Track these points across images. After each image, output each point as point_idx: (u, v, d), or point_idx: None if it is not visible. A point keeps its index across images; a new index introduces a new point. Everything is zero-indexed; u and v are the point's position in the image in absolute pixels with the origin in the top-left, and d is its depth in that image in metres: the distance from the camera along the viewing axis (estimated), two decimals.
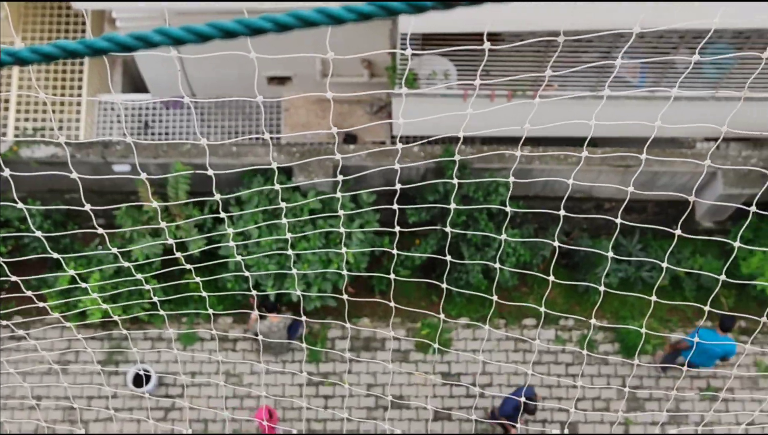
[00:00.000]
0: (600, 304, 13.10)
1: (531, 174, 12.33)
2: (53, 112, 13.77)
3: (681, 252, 12.99)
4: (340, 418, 12.83)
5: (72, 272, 4.79)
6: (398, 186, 4.49)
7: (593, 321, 5.28)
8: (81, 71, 13.82)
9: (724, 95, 11.12)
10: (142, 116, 14.17)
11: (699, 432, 12.71)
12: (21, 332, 5.85)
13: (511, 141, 12.44)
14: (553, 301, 13.46)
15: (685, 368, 6.24)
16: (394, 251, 4.96)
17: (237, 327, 13.40)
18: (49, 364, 12.12)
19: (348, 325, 5.57)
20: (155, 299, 5.25)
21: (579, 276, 13.09)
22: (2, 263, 4.67)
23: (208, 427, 12.96)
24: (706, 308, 5.03)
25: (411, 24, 9.65)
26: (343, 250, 4.78)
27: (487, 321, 5.49)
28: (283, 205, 4.39)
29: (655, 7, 8.38)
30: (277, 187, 4.30)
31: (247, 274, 5.28)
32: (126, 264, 4.75)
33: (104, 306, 5.92)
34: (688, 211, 5.33)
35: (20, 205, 4.10)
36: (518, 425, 11.81)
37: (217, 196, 4.26)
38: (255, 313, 12.17)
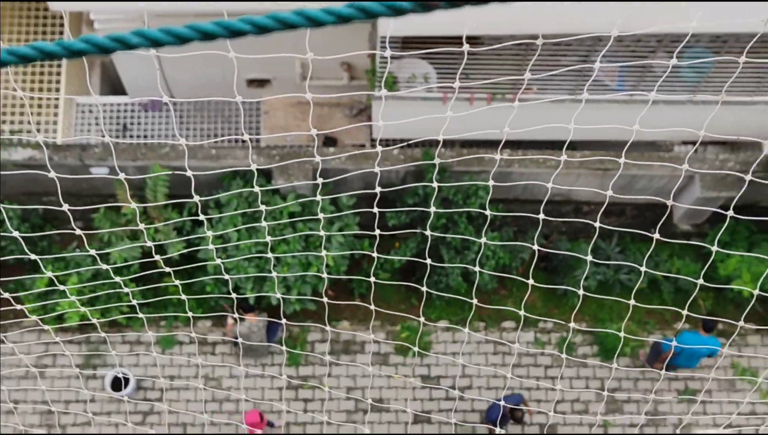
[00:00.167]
0: (579, 307, 13.15)
1: (510, 177, 12.36)
2: (30, 114, 13.67)
3: (659, 255, 13.06)
4: (320, 422, 12.81)
5: (50, 274, 4.75)
6: (378, 189, 4.48)
7: (572, 325, 5.30)
8: (59, 73, 13.73)
9: (702, 99, 11.20)
10: (120, 118, 14.10)
11: (677, 434, 12.79)
12: None
13: (491, 144, 12.47)
14: (532, 304, 13.50)
15: (662, 373, 6.27)
16: (374, 255, 4.96)
17: (216, 330, 13.35)
18: (27, 368, 12.02)
19: (328, 328, 5.56)
20: (134, 302, 5.22)
21: (558, 279, 13.14)
22: None
23: (187, 430, 12.90)
24: (684, 313, 5.06)
25: (390, 27, 9.65)
26: (323, 253, 4.77)
27: (467, 324, 5.51)
28: (262, 207, 4.37)
29: (634, 11, 8.42)
30: (257, 189, 4.29)
31: (226, 277, 5.26)
32: (104, 267, 4.72)
33: (82, 309, 5.88)
34: (666, 215, 5.35)
35: None
36: (499, 429, 11.84)
37: (197, 198, 4.24)
38: (231, 319, 12.14)
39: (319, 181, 4.28)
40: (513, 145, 12.69)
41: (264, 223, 4.80)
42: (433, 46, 10.85)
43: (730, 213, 4.72)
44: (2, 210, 4.46)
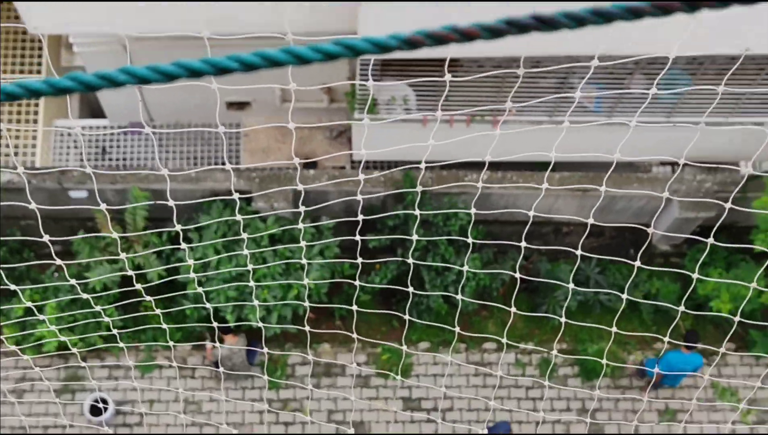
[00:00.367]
0: (559, 327, 13.17)
1: (490, 199, 12.40)
2: (9, 137, 13.59)
3: (638, 275, 13.11)
4: None
5: (28, 304, 4.71)
6: (360, 217, 4.49)
7: (554, 352, 5.30)
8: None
9: (679, 120, 11.30)
10: (99, 142, 14.04)
11: None
12: None
13: (471, 165, 12.51)
14: (513, 324, 13.51)
15: (645, 398, 6.28)
16: (356, 283, 4.95)
17: (196, 354, 13.26)
18: (4, 395, 11.88)
19: (310, 356, 5.54)
20: (114, 332, 5.19)
21: (539, 299, 13.16)
22: None
23: None
24: (666, 339, 5.08)
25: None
26: (305, 280, 4.76)
27: (450, 352, 5.49)
28: (244, 235, 4.36)
29: (613, 36, 8.49)
30: (239, 217, 4.28)
31: (208, 306, 5.23)
32: (84, 296, 4.69)
33: (62, 338, 5.83)
34: (647, 242, 5.39)
35: None
36: None
37: (178, 227, 4.22)
38: (210, 344, 12.06)
39: (301, 208, 4.28)
40: (492, 166, 12.73)
41: (245, 251, 4.79)
42: (413, 68, 10.90)
43: (710, 240, 4.75)
44: None
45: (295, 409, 12.95)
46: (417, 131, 11.44)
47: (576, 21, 1.30)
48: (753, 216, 11.30)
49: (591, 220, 4.75)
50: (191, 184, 12.08)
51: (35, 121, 13.62)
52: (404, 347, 5.57)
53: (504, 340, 5.35)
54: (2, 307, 11.69)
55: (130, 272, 4.59)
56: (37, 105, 13.63)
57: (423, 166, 4.26)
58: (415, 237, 4.89)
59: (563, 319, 5.18)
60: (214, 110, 4.87)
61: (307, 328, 5.45)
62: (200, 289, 5.57)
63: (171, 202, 4.19)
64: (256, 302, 5.44)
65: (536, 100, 5.99)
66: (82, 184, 12.07)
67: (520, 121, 11.22)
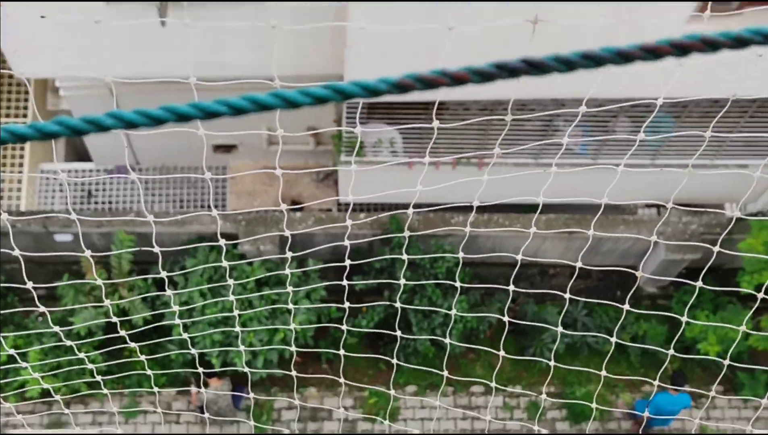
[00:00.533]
0: (547, 370, 13.12)
1: (477, 241, 12.40)
2: None
3: (626, 317, 13.08)
4: None
5: (11, 352, 4.65)
6: (348, 262, 4.47)
7: (543, 396, 5.27)
8: None
9: (664, 164, 11.37)
10: (85, 185, 14.01)
11: None
12: None
13: (457, 208, 12.52)
14: (501, 367, 13.44)
15: None
16: (344, 327, 4.92)
17: (181, 399, 13.11)
18: None
19: (296, 401, 5.49)
20: (98, 379, 5.12)
21: (526, 342, 13.11)
22: None
23: None
24: (656, 383, 5.06)
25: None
26: (292, 325, 4.73)
27: (438, 395, 5.45)
28: (230, 280, 4.33)
29: (600, 80, 8.57)
30: (225, 264, 4.25)
31: (193, 351, 5.18)
32: (68, 343, 4.63)
33: (45, 386, 5.75)
34: (635, 285, 5.38)
35: None
36: None
37: (164, 274, 4.19)
38: (195, 389, 11.93)
39: (288, 254, 4.26)
40: (479, 208, 12.73)
41: (231, 296, 4.75)
42: (399, 111, 10.96)
43: (699, 284, 4.75)
44: None
45: None
46: (403, 174, 11.47)
47: (566, 65, 1.30)
48: (739, 257, 11.33)
49: (579, 264, 4.74)
50: (177, 227, 12.04)
51: (21, 165, 13.58)
52: (392, 391, 5.51)
53: (492, 384, 5.31)
54: None
55: (115, 319, 4.54)
56: (23, 148, 13.60)
57: (410, 211, 4.25)
58: (402, 281, 4.87)
59: (552, 362, 5.16)
60: (201, 153, 4.88)
61: (293, 373, 5.40)
62: (185, 334, 5.52)
63: (156, 249, 4.16)
64: (242, 346, 5.40)
65: (522, 144, 6.03)
66: (67, 227, 12.01)
67: (506, 164, 11.27)
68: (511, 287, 4.81)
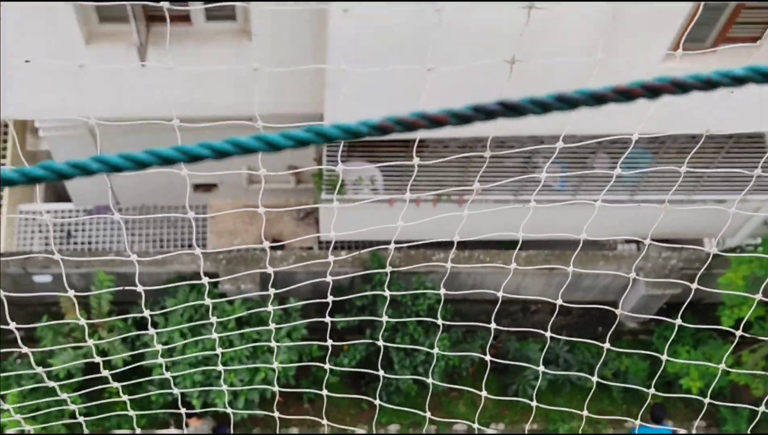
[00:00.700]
0: (529, 407, 13.08)
1: (458, 278, 12.42)
2: None
3: (607, 353, 13.10)
4: None
5: None
6: (330, 298, 4.48)
7: (525, 434, 5.26)
8: None
9: (642, 199, 11.48)
10: (64, 225, 13.95)
11: None
12: None
13: (439, 244, 12.57)
14: (483, 405, 13.40)
15: None
16: (326, 366, 4.91)
17: None
18: None
19: None
20: (79, 419, 5.08)
21: (508, 379, 13.10)
22: None
23: None
24: (637, 422, 5.07)
25: None
26: (274, 364, 4.72)
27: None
28: (212, 319, 4.33)
29: (577, 118, 8.67)
30: (208, 301, 4.25)
31: (175, 391, 5.15)
32: (49, 384, 4.59)
33: (25, 427, 5.69)
34: (615, 322, 5.41)
35: None
36: None
37: (147, 313, 4.18)
38: (175, 431, 11.81)
39: (271, 291, 4.26)
40: (460, 245, 12.78)
41: (213, 335, 4.74)
42: (380, 149, 11.03)
43: (678, 322, 4.79)
44: None
45: None
46: (384, 211, 11.51)
47: (541, 107, 1.34)
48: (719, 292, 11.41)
49: (559, 301, 4.77)
50: (157, 267, 11.99)
51: (0, 206, 13.52)
52: (374, 432, 5.50)
53: (475, 426, 5.31)
54: None
55: (96, 359, 4.52)
56: (2, 189, 13.55)
57: (392, 246, 4.28)
58: (384, 318, 4.88)
59: (534, 403, 5.18)
60: (181, 192, 4.87)
61: (275, 414, 5.37)
62: (167, 374, 5.49)
63: (139, 287, 4.15)
64: (223, 386, 5.37)
65: (502, 181, 6.08)
66: (47, 268, 11.94)
67: (486, 200, 11.33)
68: (493, 325, 4.83)
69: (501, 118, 1.36)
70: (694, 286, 4.60)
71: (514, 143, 10.61)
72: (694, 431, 12.17)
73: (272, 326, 4.71)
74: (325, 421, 5.22)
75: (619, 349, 4.95)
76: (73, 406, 5.27)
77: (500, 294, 4.86)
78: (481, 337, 12.86)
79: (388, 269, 4.48)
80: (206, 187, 13.68)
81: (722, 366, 5.10)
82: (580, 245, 4.79)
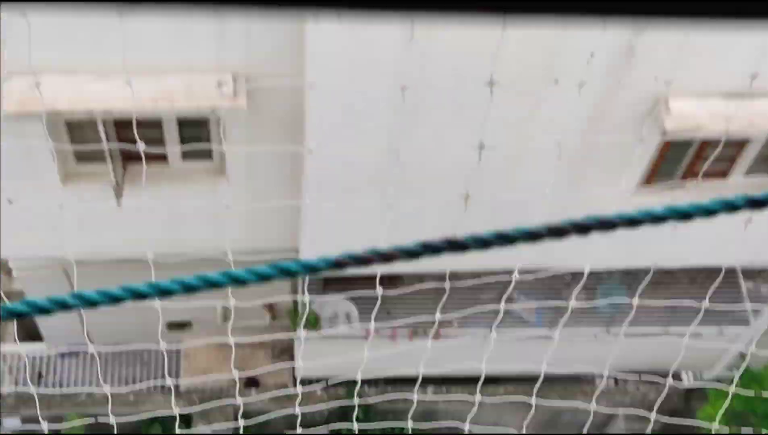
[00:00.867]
0: None
1: (436, 415, 12.29)
2: None
3: None
4: None
5: None
6: (299, 430, 4.47)
7: None
8: None
9: (618, 332, 11.53)
10: (35, 366, 13.76)
11: None
12: None
13: (415, 378, 12.48)
14: None
15: None
16: None
17: None
18: None
19: None
20: None
21: None
22: None
23: None
24: None
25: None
26: None
27: None
28: None
29: (551, 252, 8.84)
30: None
31: None
32: None
33: None
34: None
35: None
36: None
37: None
38: None
39: (241, 422, 4.25)
40: (438, 380, 12.71)
41: None
42: (354, 285, 11.09)
43: None
44: None
45: None
46: (360, 346, 11.47)
47: (482, 244, 1.44)
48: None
49: None
50: (129, 407, 11.81)
51: None
52: None
53: None
54: None
55: None
56: None
57: (359, 378, 4.30)
58: None
59: None
60: (154, 331, 4.89)
61: None
62: None
63: (112, 419, 4.13)
64: None
65: (477, 313, 6.18)
66: (16, 410, 11.72)
67: (462, 335, 11.35)
68: None
69: (447, 253, 1.46)
70: (674, 420, 4.65)
71: (488, 278, 10.73)
72: None
73: None
74: None
75: None
76: None
77: (467, 428, 4.87)
78: None
79: (363, 399, 4.50)
80: (180, 326, 13.61)
81: None
82: (542, 377, 4.84)
